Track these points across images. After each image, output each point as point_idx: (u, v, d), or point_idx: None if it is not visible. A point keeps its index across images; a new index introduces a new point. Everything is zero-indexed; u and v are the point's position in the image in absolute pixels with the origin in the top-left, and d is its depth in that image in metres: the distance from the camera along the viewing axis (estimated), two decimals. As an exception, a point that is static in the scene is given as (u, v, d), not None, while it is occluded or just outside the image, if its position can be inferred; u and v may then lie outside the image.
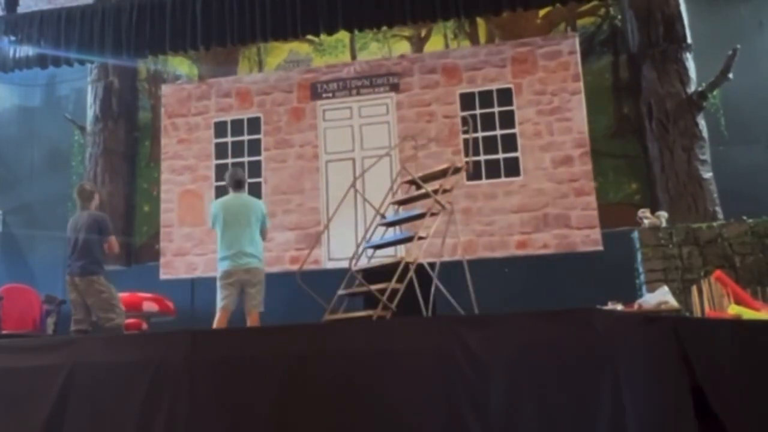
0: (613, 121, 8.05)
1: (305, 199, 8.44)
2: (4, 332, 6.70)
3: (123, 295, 7.55)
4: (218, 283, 6.16)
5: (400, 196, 6.55)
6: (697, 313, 6.12)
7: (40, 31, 7.93)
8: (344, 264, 6.85)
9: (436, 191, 5.74)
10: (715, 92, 7.92)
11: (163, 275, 8.60)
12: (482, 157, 8.08)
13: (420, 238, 5.60)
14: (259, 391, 3.49)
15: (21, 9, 8.42)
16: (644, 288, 7.08)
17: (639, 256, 7.30)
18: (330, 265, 7.96)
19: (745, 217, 7.11)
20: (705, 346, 3.40)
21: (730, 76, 7.66)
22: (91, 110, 9.26)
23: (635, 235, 7.41)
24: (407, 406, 3.32)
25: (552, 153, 7.96)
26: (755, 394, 3.38)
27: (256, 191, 8.46)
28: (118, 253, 6.48)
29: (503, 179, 8.03)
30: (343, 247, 7.74)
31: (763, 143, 8.11)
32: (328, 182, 8.44)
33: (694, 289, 6.38)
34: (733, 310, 5.36)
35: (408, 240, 5.65)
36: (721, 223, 7.12)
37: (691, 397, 3.24)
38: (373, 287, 5.29)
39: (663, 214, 7.38)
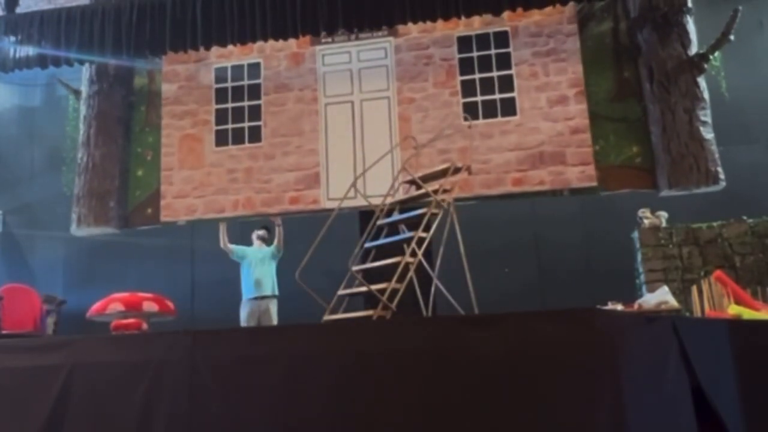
0: (614, 85, 8.11)
1: (304, 141, 8.53)
2: (4, 332, 6.69)
3: (123, 295, 7.56)
4: None
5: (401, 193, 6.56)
6: (697, 313, 6.12)
7: (40, 31, 7.92)
8: (343, 203, 7.14)
9: (436, 191, 5.74)
10: (716, 54, 7.90)
11: (164, 218, 8.67)
12: (479, 98, 8.19)
13: (420, 239, 5.59)
14: (259, 391, 3.49)
15: (21, 9, 8.41)
16: (644, 288, 7.08)
17: (639, 256, 7.31)
18: (329, 204, 8.11)
19: (745, 217, 7.11)
20: (705, 346, 3.41)
21: (731, 37, 7.63)
22: (86, 72, 9.20)
23: (635, 235, 7.42)
24: (407, 406, 3.32)
25: (547, 93, 8.06)
26: (755, 394, 3.39)
27: (256, 134, 8.61)
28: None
29: (499, 119, 8.13)
30: (341, 187, 7.88)
31: (763, 143, 8.11)
32: (327, 125, 8.55)
33: (694, 289, 6.39)
34: (733, 310, 5.36)
35: (408, 240, 5.65)
36: (721, 223, 7.13)
37: (691, 397, 3.24)
38: (374, 287, 5.29)
39: (663, 214, 7.39)
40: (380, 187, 7.44)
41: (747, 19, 8.33)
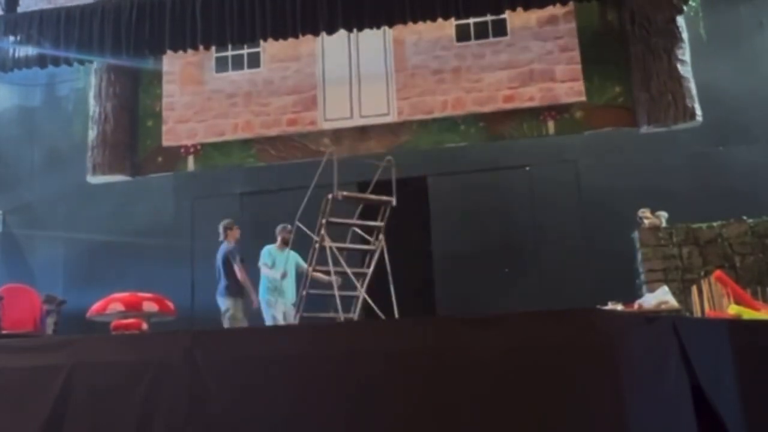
0: (598, 28, 8.35)
1: (302, 65, 8.73)
2: (4, 332, 6.69)
3: (123, 295, 7.57)
4: None
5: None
6: (697, 313, 6.12)
7: (40, 30, 7.92)
8: (340, 124, 7.82)
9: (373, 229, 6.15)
10: None
11: (166, 143, 8.83)
12: (471, 20, 8.34)
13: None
14: (259, 391, 3.49)
15: (21, 9, 8.40)
16: (644, 288, 7.08)
17: (639, 256, 7.30)
18: (326, 125, 8.29)
19: (745, 217, 7.11)
20: (705, 345, 3.41)
21: None
22: None
23: (635, 235, 7.41)
24: (407, 406, 3.32)
25: (538, 13, 8.22)
26: (755, 394, 3.39)
27: (255, 60, 8.82)
28: (244, 280, 7.22)
29: (491, 39, 8.34)
30: (337, 108, 8.30)
31: (763, 143, 8.11)
32: (324, 49, 8.66)
33: (694, 289, 6.38)
34: (733, 310, 5.35)
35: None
36: (721, 223, 7.13)
37: (691, 397, 3.24)
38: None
39: (663, 214, 7.39)
40: (375, 107, 7.75)
41: (747, 19, 8.34)
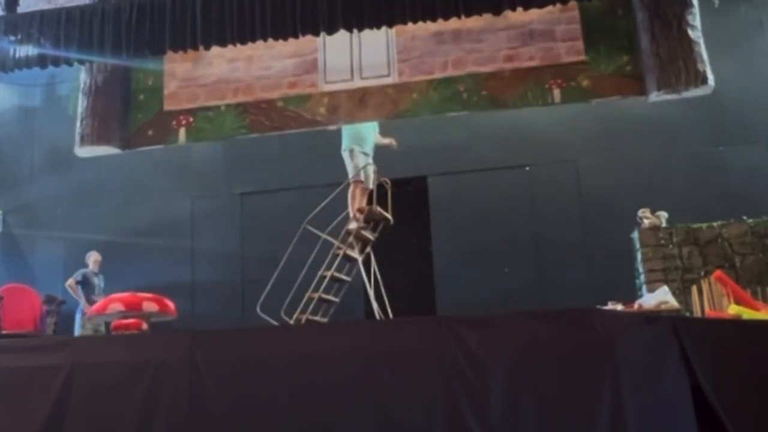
0: None
1: None
2: (4, 332, 6.70)
3: (123, 294, 7.57)
4: None
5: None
6: (697, 313, 6.12)
7: (40, 30, 7.91)
8: (340, 86, 7.90)
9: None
10: None
11: (167, 107, 8.82)
12: None
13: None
14: (259, 390, 3.50)
15: (21, 9, 8.41)
16: (644, 288, 7.08)
17: (639, 256, 7.30)
18: (327, 87, 8.32)
19: (745, 217, 7.11)
20: (705, 345, 3.41)
21: None
22: None
23: (635, 235, 7.42)
24: (407, 406, 3.32)
25: None
26: (755, 394, 3.39)
27: None
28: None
29: None
30: (338, 70, 8.33)
31: (763, 143, 8.11)
32: None
33: (694, 289, 6.38)
34: (733, 310, 5.35)
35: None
36: (721, 223, 7.13)
37: (691, 397, 3.25)
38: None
39: (663, 214, 7.39)
40: (376, 70, 8.09)
41: (747, 19, 8.34)
